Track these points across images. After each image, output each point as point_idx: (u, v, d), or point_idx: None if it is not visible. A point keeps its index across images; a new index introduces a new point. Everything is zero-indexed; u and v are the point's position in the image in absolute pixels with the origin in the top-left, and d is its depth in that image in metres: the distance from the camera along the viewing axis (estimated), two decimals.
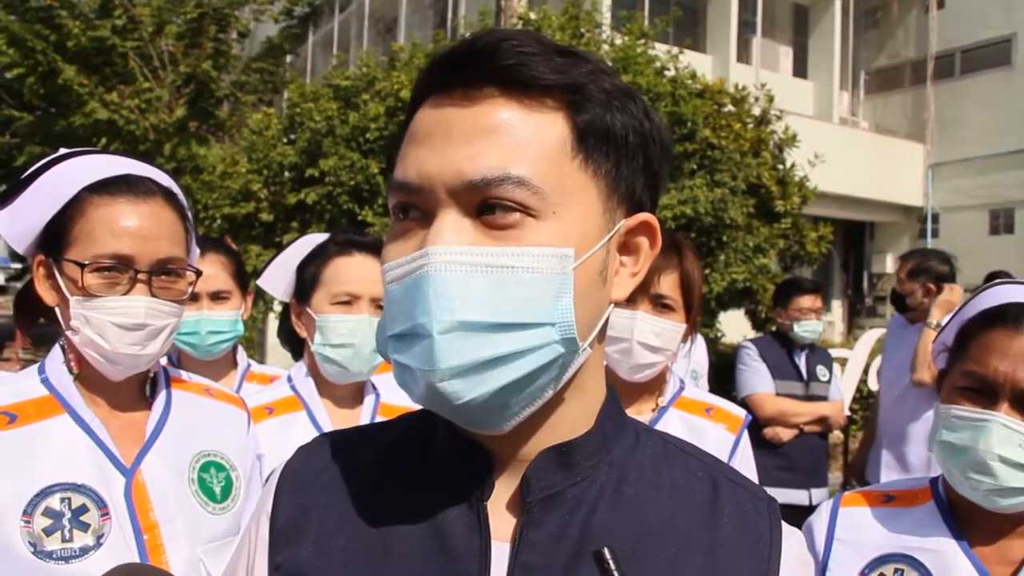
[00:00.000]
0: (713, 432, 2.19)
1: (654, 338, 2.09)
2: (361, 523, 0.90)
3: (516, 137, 0.82)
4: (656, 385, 2.23)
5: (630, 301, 2.08)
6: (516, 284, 0.81)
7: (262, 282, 2.44)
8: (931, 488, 1.58)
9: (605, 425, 0.92)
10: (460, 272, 0.80)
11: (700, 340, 5.08)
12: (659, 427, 2.12)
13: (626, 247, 0.93)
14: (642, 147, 0.90)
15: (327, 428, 2.13)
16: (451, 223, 0.82)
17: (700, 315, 2.25)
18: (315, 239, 2.33)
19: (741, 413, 2.26)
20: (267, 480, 1.02)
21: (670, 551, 0.87)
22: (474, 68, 0.83)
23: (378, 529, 0.89)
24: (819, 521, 1.61)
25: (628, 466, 0.92)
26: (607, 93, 0.87)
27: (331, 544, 0.90)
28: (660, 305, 2.10)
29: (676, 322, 2.12)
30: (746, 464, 2.22)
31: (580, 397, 0.90)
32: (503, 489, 0.90)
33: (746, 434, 2.24)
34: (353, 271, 2.16)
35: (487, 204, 0.82)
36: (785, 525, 0.94)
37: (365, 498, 0.92)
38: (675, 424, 2.17)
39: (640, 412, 2.19)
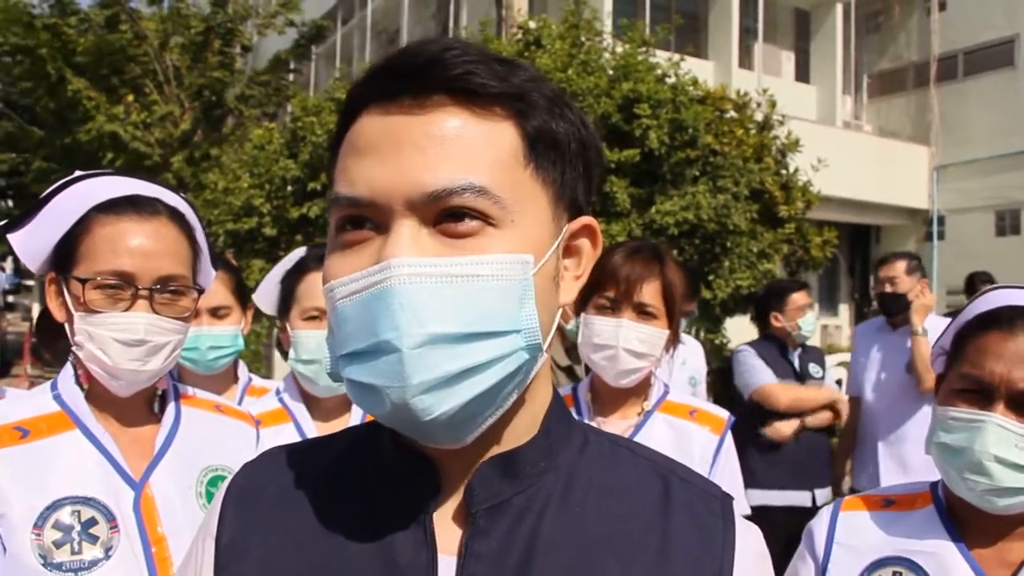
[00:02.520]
0: (697, 434, 2.25)
1: (639, 344, 2.16)
2: (307, 540, 0.89)
3: (470, 145, 0.82)
4: (641, 390, 2.29)
5: (614, 310, 2.18)
6: (482, 293, 0.80)
7: (256, 298, 2.46)
8: (931, 492, 1.59)
9: (551, 429, 0.92)
10: (426, 284, 0.79)
11: (698, 347, 5.02)
12: (645, 430, 2.21)
13: (568, 251, 0.92)
14: (581, 153, 0.90)
15: None
16: (409, 234, 0.80)
17: (680, 324, 2.31)
18: (300, 254, 2.35)
19: (724, 414, 2.33)
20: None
21: (620, 557, 0.86)
22: (423, 76, 0.82)
23: (325, 546, 0.88)
24: (819, 525, 1.62)
25: (575, 470, 0.91)
26: (549, 100, 0.87)
27: (277, 562, 0.88)
28: (643, 313, 2.17)
29: (659, 328, 2.19)
30: (730, 464, 2.29)
31: (529, 404, 0.90)
32: (449, 501, 0.89)
33: (730, 435, 2.30)
34: (320, 285, 2.16)
35: (446, 214, 0.81)
36: (742, 520, 0.93)
37: (311, 514, 0.91)
38: (660, 427, 2.23)
39: (626, 417, 2.26)
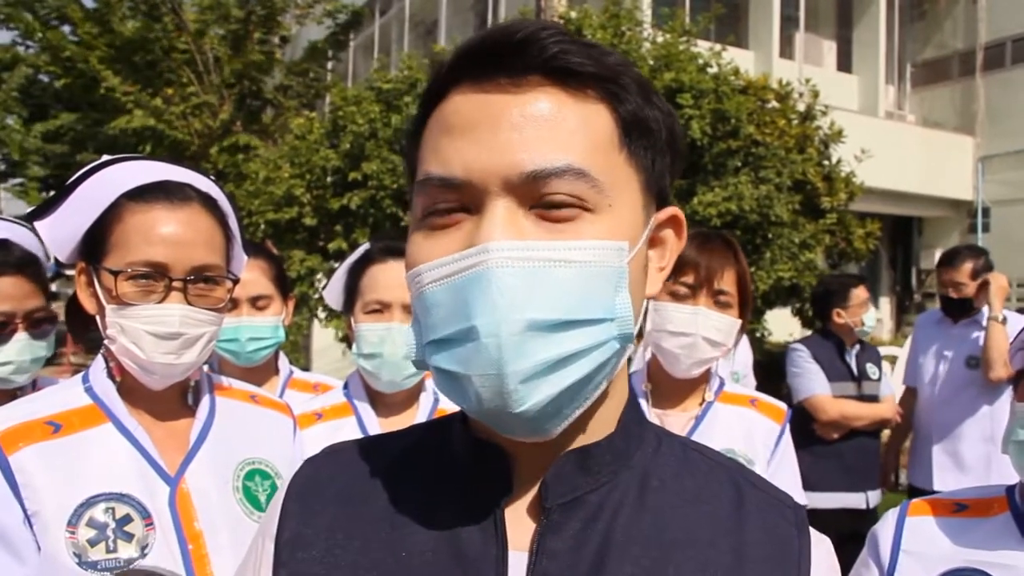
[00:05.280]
0: (760, 422, 2.25)
1: (716, 333, 2.14)
2: (373, 533, 0.87)
3: (569, 126, 0.80)
4: (702, 381, 2.26)
5: (692, 297, 2.14)
6: (579, 279, 0.78)
7: (325, 295, 2.45)
8: (1007, 497, 1.48)
9: (627, 428, 0.90)
10: (523, 268, 0.76)
11: (743, 340, 4.92)
12: (708, 420, 2.20)
13: (653, 242, 0.90)
14: (671, 142, 0.89)
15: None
16: (505, 217, 0.78)
17: (749, 316, 2.29)
18: (367, 247, 2.32)
19: (782, 405, 2.33)
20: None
21: (695, 560, 0.84)
22: (519, 55, 0.80)
23: (391, 539, 0.86)
24: (884, 531, 1.54)
25: (649, 472, 0.89)
26: (639, 86, 0.85)
27: (339, 555, 0.86)
28: (720, 301, 2.15)
29: (734, 318, 2.17)
30: (790, 454, 2.27)
31: (610, 399, 0.87)
32: (521, 495, 0.86)
33: (788, 426, 2.29)
34: (383, 278, 2.14)
35: (544, 198, 0.79)
36: (813, 531, 0.91)
37: (377, 508, 0.89)
38: (725, 416, 2.22)
39: (687, 409, 2.24)
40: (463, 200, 0.80)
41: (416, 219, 0.85)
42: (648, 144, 0.86)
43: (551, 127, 0.79)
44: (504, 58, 0.80)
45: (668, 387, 2.24)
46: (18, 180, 17.80)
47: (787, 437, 2.26)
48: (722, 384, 2.30)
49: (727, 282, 2.14)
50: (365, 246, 2.32)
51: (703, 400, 2.24)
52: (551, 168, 0.78)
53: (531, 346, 0.76)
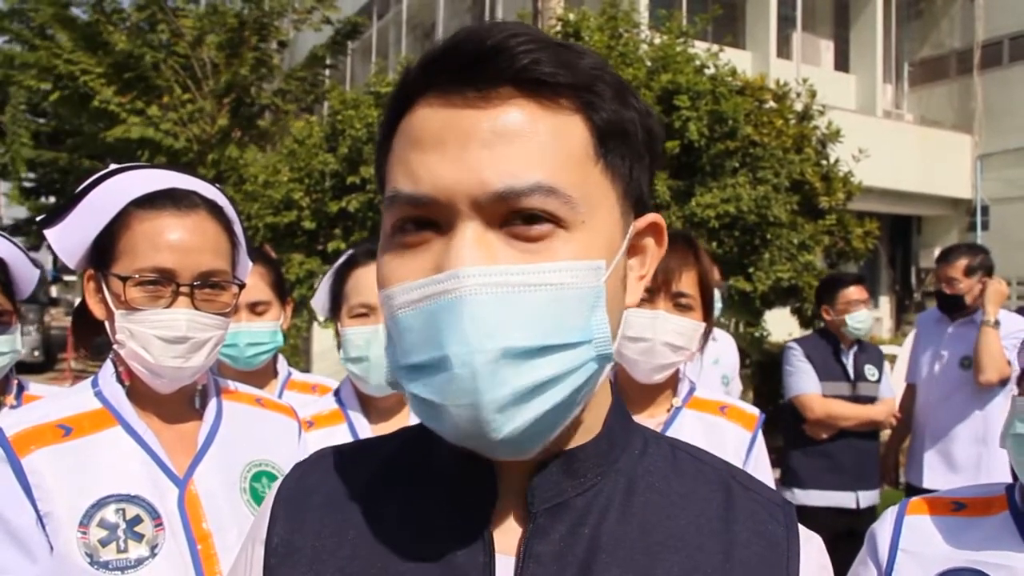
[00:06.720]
0: (730, 430, 2.16)
1: (676, 337, 2.06)
2: (360, 540, 0.86)
3: (540, 141, 0.76)
4: (669, 386, 2.19)
5: (650, 300, 2.07)
6: (554, 303, 0.75)
7: (312, 304, 2.46)
8: (1007, 496, 1.47)
9: (612, 432, 0.88)
10: (496, 295, 0.74)
11: (730, 343, 4.78)
12: (675, 427, 2.11)
13: (633, 249, 0.88)
14: (648, 144, 0.85)
15: None
16: (475, 238, 0.75)
17: (714, 316, 2.20)
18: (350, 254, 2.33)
19: (755, 411, 2.24)
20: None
21: (683, 563, 0.83)
22: (488, 67, 0.77)
23: (378, 547, 0.85)
24: (883, 529, 1.53)
25: (636, 474, 0.88)
26: (615, 89, 0.82)
27: (328, 563, 0.85)
28: (680, 304, 2.07)
29: (696, 321, 2.09)
30: (762, 462, 2.20)
31: (592, 405, 0.86)
32: (507, 500, 0.85)
33: (761, 433, 2.21)
34: (368, 281, 2.13)
35: (515, 216, 0.76)
36: (803, 530, 0.90)
37: (364, 514, 0.88)
38: (691, 423, 2.13)
39: (654, 415, 2.17)
40: (432, 217, 0.78)
41: (386, 235, 0.82)
42: (625, 151, 0.83)
43: (522, 142, 0.76)
44: (473, 68, 0.77)
45: (635, 393, 2.16)
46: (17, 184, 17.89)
47: (760, 443, 2.18)
48: (692, 389, 2.22)
49: (687, 284, 2.07)
50: (349, 251, 2.33)
51: (671, 406, 2.17)
52: (520, 187, 0.75)
53: (506, 374, 0.73)
